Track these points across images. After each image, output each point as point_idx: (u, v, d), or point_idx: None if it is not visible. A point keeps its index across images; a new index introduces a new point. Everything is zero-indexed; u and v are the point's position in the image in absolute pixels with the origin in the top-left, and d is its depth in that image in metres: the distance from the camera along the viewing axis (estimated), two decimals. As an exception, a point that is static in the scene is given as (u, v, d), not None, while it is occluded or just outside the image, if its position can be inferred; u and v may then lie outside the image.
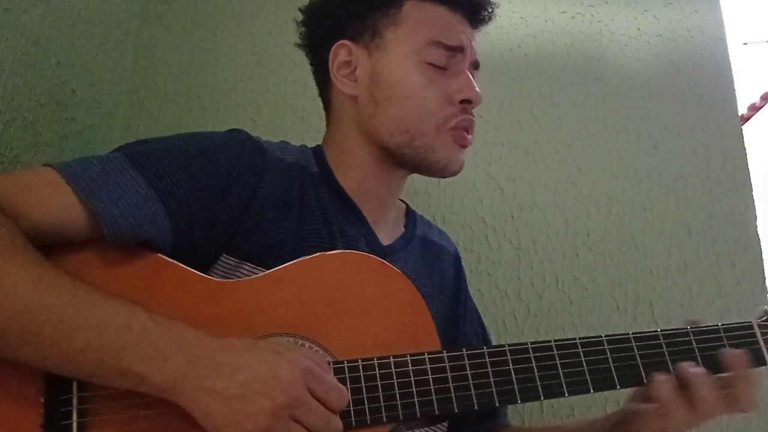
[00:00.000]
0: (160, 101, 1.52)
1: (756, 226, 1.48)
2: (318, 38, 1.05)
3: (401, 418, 0.80)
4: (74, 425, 0.74)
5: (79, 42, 1.22)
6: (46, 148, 1.12)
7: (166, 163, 0.83)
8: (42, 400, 0.74)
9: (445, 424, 0.99)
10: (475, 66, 1.04)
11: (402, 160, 1.00)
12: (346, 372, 0.79)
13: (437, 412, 0.80)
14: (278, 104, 1.52)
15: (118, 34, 1.43)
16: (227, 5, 1.59)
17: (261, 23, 1.58)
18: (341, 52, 1.01)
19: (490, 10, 1.05)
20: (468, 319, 1.13)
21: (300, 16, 1.08)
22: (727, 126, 1.55)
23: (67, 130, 1.20)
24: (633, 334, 0.87)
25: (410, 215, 1.13)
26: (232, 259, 0.87)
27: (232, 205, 0.87)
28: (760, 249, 1.46)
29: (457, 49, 0.98)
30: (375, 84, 0.98)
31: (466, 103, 0.98)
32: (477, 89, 0.99)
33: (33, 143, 1.08)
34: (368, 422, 0.79)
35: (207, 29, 1.57)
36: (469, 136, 1.00)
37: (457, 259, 1.16)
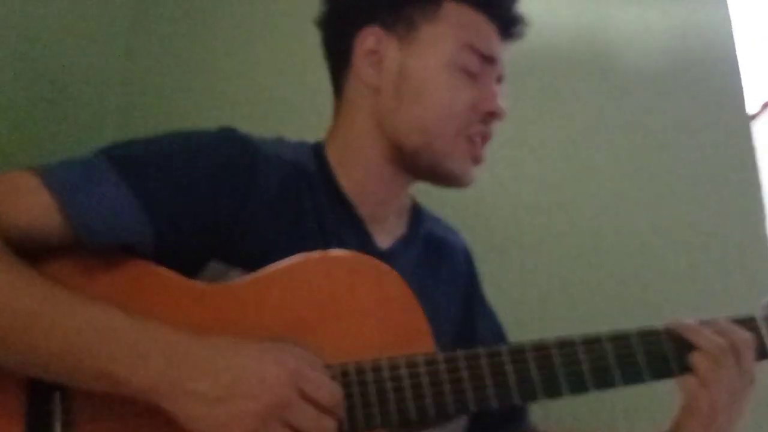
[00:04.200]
0: (153, 99, 1.51)
1: (765, 226, 1.47)
2: (345, 20, 1.00)
3: (395, 421, 0.78)
4: None
5: (71, 39, 1.22)
6: (37, 147, 1.11)
7: (150, 166, 0.82)
8: (24, 410, 0.73)
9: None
10: (499, 80, 1.01)
11: (414, 164, 0.97)
12: (339, 376, 0.77)
13: (432, 415, 0.78)
14: (273, 101, 1.51)
15: (111, 32, 1.43)
16: (222, 1, 1.57)
17: (256, 20, 1.57)
18: (370, 39, 0.97)
19: (522, 29, 1.03)
20: (483, 315, 1.11)
21: None
22: (736, 123, 1.54)
23: (59, 127, 1.20)
24: (634, 330, 0.85)
25: (415, 212, 1.09)
26: (221, 264, 0.85)
27: (221, 209, 0.84)
28: (769, 249, 1.45)
29: (489, 59, 0.96)
30: (403, 79, 0.95)
31: (489, 116, 0.97)
32: (502, 103, 0.97)
33: (24, 141, 1.08)
34: (362, 427, 0.77)
35: (201, 26, 1.56)
36: (483, 153, 0.99)
37: (467, 255, 1.14)
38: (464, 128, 0.95)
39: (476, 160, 0.98)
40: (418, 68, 0.94)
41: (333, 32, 1.02)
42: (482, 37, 0.97)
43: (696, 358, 0.83)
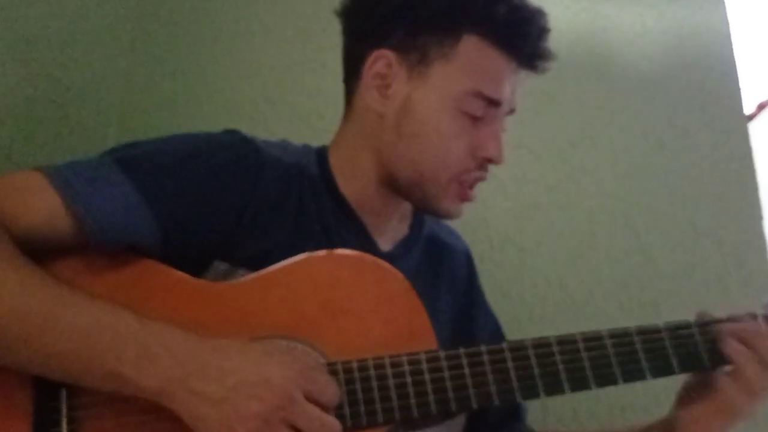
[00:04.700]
0: (155, 99, 1.51)
1: (762, 226, 1.46)
2: (361, 34, 0.98)
3: (398, 418, 0.78)
4: None
5: (73, 39, 1.22)
6: (40, 147, 1.12)
7: (155, 167, 0.82)
8: (31, 408, 0.73)
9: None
10: (511, 113, 0.99)
11: (405, 193, 0.97)
12: (341, 373, 0.78)
13: (434, 412, 0.79)
14: (276, 103, 1.51)
15: (113, 32, 1.43)
16: (224, 3, 1.57)
17: (259, 21, 1.56)
18: (380, 62, 0.94)
19: (547, 64, 0.98)
20: (482, 318, 1.11)
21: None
22: (733, 124, 1.53)
23: (61, 128, 1.20)
24: (635, 328, 0.85)
25: (417, 214, 1.08)
26: (225, 264, 0.86)
27: (225, 210, 0.85)
28: (766, 249, 1.45)
29: (496, 103, 0.93)
30: (405, 114, 0.93)
31: (487, 161, 0.95)
32: (501, 149, 0.94)
33: (27, 142, 1.08)
34: (364, 423, 0.77)
35: (203, 27, 1.56)
36: (473, 192, 0.97)
37: (468, 257, 1.14)
38: (458, 175, 0.94)
39: (465, 200, 0.97)
40: (422, 106, 0.92)
41: (349, 37, 1.00)
42: (494, 81, 0.93)
43: (743, 359, 0.82)
